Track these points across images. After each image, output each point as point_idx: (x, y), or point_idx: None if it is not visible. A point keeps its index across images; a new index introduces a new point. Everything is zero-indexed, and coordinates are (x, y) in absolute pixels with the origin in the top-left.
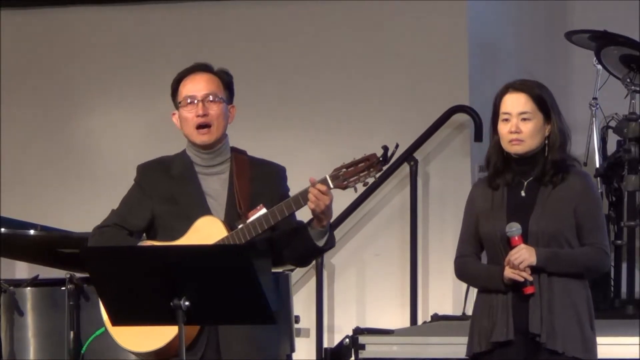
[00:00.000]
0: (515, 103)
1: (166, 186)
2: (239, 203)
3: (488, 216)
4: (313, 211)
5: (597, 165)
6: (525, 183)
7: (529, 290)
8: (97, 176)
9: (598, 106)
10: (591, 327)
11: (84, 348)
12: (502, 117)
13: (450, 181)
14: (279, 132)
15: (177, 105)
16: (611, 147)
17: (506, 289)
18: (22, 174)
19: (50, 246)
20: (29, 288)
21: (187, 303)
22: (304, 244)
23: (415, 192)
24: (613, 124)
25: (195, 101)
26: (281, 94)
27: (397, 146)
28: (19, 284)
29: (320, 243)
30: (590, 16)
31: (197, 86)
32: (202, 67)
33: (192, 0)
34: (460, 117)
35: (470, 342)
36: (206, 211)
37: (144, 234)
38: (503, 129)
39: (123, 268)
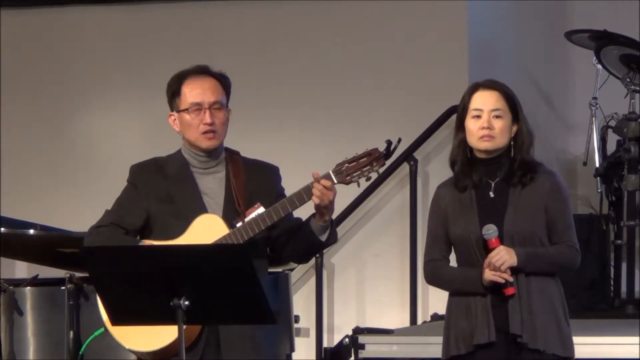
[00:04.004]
0: (488, 100)
1: (162, 186)
2: (237, 201)
3: (458, 218)
4: (317, 206)
5: (597, 165)
6: (493, 184)
7: (509, 291)
8: (97, 176)
9: (598, 106)
10: (567, 323)
11: (82, 348)
12: (472, 113)
13: None
14: (277, 132)
15: (174, 106)
16: (611, 147)
17: (485, 291)
18: (22, 173)
19: (50, 246)
20: (28, 288)
21: (187, 303)
22: (306, 238)
23: (415, 192)
24: (613, 123)
25: (203, 109)
26: (279, 94)
27: (399, 140)
28: (19, 283)
29: (323, 238)
30: (590, 16)
31: (204, 93)
32: (203, 70)
33: (192, 0)
34: None
35: (446, 345)
36: (203, 210)
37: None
38: (473, 125)
39: (123, 268)
